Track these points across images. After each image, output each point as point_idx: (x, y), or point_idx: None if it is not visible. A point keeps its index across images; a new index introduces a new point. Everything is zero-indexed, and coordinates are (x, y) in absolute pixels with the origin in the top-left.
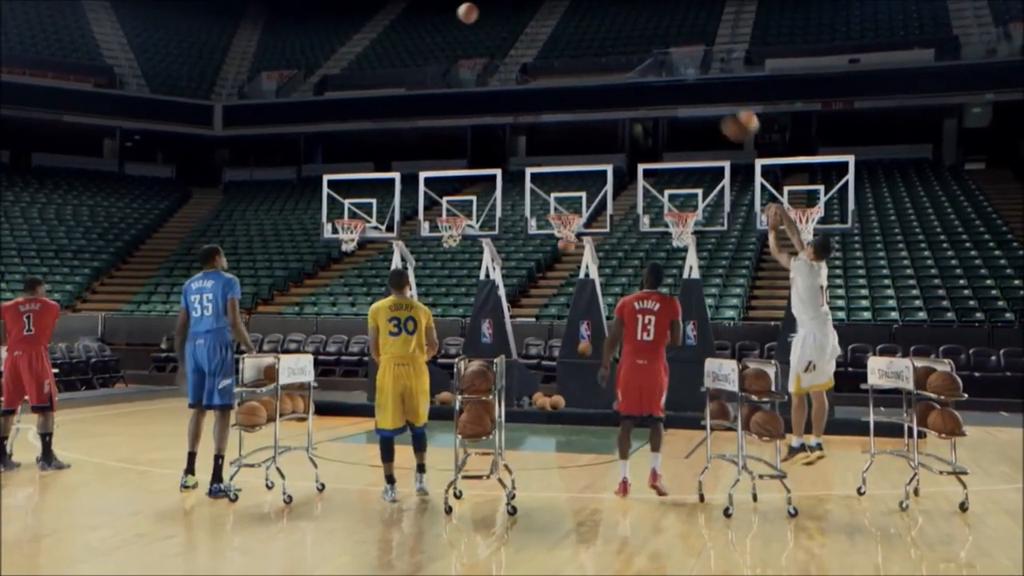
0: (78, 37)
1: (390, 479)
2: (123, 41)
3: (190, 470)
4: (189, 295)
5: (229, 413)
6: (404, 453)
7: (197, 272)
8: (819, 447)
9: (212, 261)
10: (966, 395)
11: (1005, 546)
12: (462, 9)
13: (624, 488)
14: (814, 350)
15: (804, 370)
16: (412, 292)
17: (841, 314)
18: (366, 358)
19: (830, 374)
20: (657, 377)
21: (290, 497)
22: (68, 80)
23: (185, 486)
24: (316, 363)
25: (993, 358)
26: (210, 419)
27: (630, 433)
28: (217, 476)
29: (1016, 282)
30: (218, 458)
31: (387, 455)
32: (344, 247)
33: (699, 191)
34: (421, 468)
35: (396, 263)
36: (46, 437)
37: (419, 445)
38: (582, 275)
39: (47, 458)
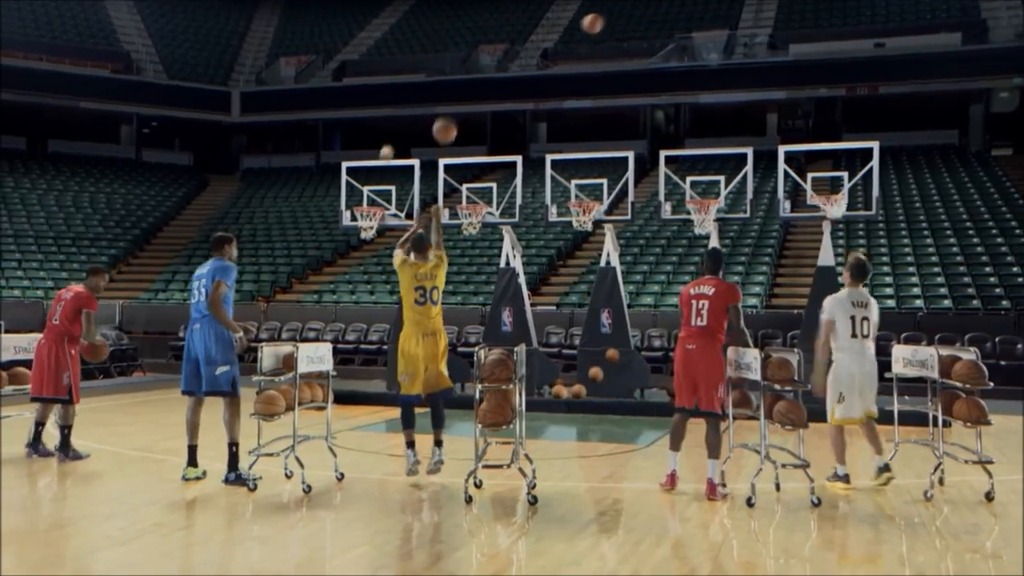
0: (95, 23)
1: (411, 444)
2: (140, 27)
3: (192, 463)
4: (192, 281)
5: (236, 400)
6: (420, 439)
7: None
8: (886, 468)
9: (220, 249)
10: (991, 383)
11: None
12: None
13: (671, 481)
14: (843, 382)
15: (836, 401)
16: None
17: None
18: (385, 347)
19: (867, 406)
20: (710, 364)
21: (309, 486)
22: (85, 66)
23: (185, 478)
24: (335, 352)
25: (1019, 346)
26: (216, 409)
27: (683, 426)
28: (233, 465)
29: None
30: (232, 446)
31: (409, 422)
32: (363, 234)
33: (721, 178)
34: (439, 443)
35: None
36: (64, 429)
37: (438, 420)
38: (603, 263)
39: (64, 449)
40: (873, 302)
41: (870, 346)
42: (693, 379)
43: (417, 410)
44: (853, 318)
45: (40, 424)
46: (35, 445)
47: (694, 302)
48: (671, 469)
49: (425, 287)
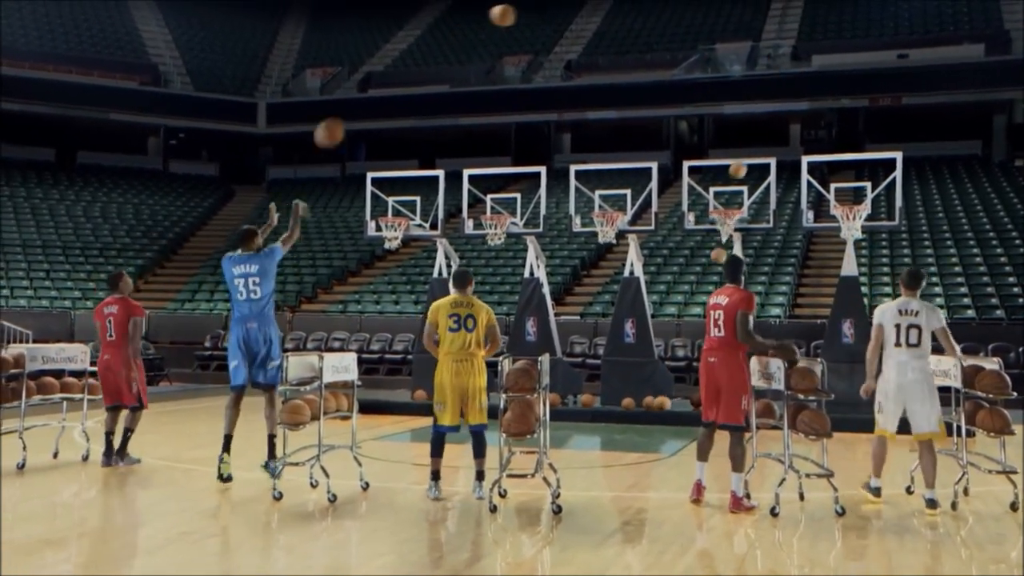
0: (124, 36)
1: (436, 475)
2: (168, 39)
3: (227, 449)
4: (232, 278)
5: (276, 393)
6: (452, 451)
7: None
8: (931, 503)
9: (250, 242)
10: (1015, 393)
11: None
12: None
13: (697, 491)
14: (882, 391)
15: (877, 411)
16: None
17: None
18: (410, 356)
19: (917, 426)
20: (731, 375)
21: (334, 496)
22: (114, 78)
23: (222, 462)
24: (360, 361)
25: None
26: (256, 402)
27: (710, 438)
28: (272, 454)
29: None
30: (271, 437)
31: (437, 451)
32: (388, 245)
33: (745, 188)
34: (480, 476)
35: (440, 261)
36: (128, 432)
37: (479, 450)
38: (627, 273)
39: (120, 453)
40: (927, 310)
41: (919, 355)
42: (716, 390)
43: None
44: (898, 326)
45: (111, 434)
46: (110, 454)
47: (712, 312)
48: (697, 478)
49: (460, 314)
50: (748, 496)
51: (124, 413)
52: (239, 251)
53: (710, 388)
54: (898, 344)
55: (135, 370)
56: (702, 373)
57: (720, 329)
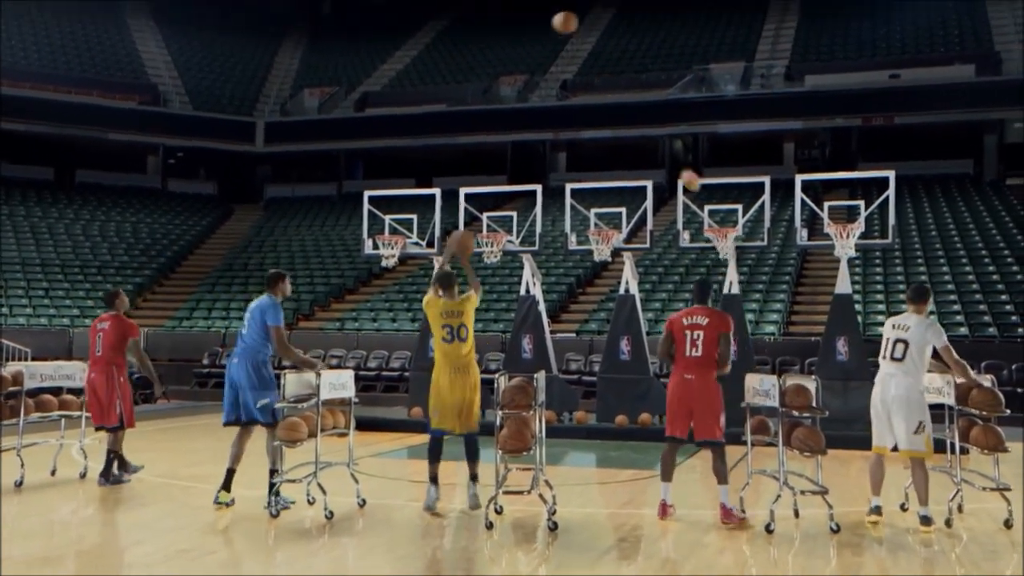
0: (123, 56)
1: (434, 479)
2: (167, 60)
3: (226, 487)
4: (245, 312)
5: (274, 429)
6: (448, 468)
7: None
8: (925, 520)
9: (275, 286)
10: (1008, 411)
11: None
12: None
13: (663, 511)
14: (872, 405)
15: (874, 427)
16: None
17: (883, 329)
18: (407, 373)
19: (905, 443)
20: (709, 394)
21: (331, 512)
22: (113, 98)
23: (218, 502)
24: (357, 379)
25: None
26: (258, 437)
27: (674, 455)
28: (271, 489)
29: None
30: (273, 472)
31: (436, 456)
32: (385, 263)
33: (739, 206)
34: (474, 478)
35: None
36: (111, 454)
37: (473, 454)
38: (622, 290)
39: (106, 474)
40: (923, 327)
41: (904, 370)
42: (689, 409)
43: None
44: (888, 339)
45: (111, 451)
46: (108, 472)
47: (688, 332)
48: (661, 499)
49: (452, 325)
50: (743, 511)
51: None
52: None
53: (683, 406)
54: (884, 357)
55: (118, 389)
56: (675, 390)
57: (698, 349)
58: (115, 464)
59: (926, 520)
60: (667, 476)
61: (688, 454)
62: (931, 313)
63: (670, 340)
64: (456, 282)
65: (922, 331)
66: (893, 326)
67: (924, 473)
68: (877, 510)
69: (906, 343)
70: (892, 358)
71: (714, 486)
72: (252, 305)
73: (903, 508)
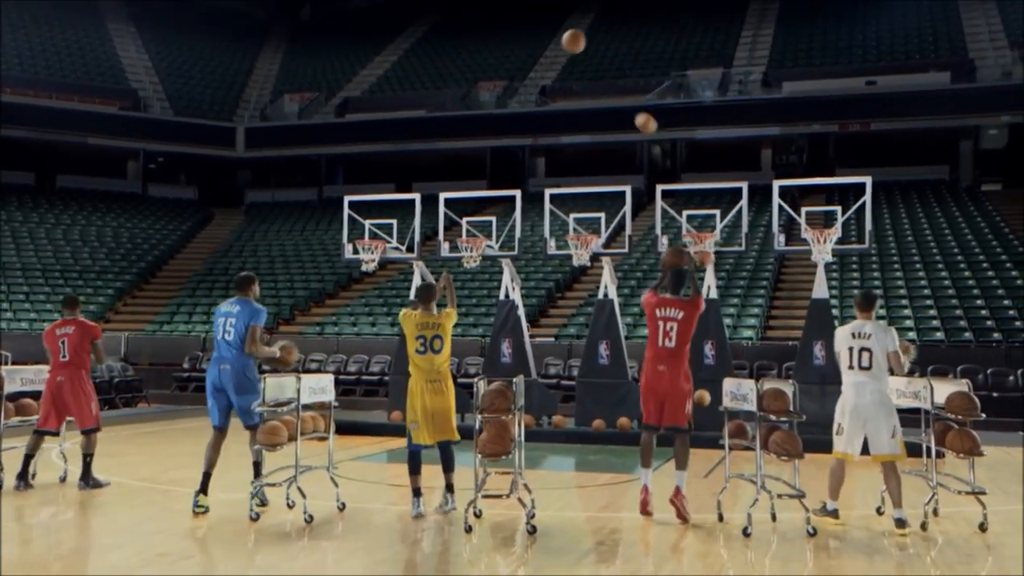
0: (104, 62)
1: (417, 492)
2: (148, 65)
3: (203, 490)
4: (217, 317)
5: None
6: (427, 471)
7: (231, 296)
8: (899, 523)
9: (247, 288)
10: (984, 415)
11: None
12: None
13: (645, 494)
14: (842, 414)
15: (836, 433)
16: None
17: None
18: (387, 377)
19: (877, 448)
20: (677, 385)
21: (311, 516)
22: (94, 103)
23: (198, 506)
24: (337, 383)
25: (1011, 378)
26: (239, 440)
27: (652, 442)
28: (258, 473)
29: None
30: (257, 464)
31: (415, 469)
32: (365, 267)
33: (717, 211)
34: (450, 488)
35: (416, 283)
36: (87, 458)
37: (449, 464)
38: (601, 295)
39: (86, 478)
40: (880, 332)
41: (874, 377)
42: (661, 398)
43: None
44: (851, 349)
45: (29, 456)
46: (87, 476)
47: (661, 324)
48: (643, 483)
49: (426, 336)
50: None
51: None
52: (236, 295)
53: (656, 395)
54: (851, 367)
55: (89, 392)
56: (648, 381)
57: (671, 340)
58: (92, 467)
59: (901, 523)
60: (646, 462)
61: (667, 457)
62: (880, 318)
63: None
64: (436, 296)
65: (882, 337)
66: (853, 335)
67: (897, 476)
68: (835, 514)
69: (870, 351)
70: (860, 367)
71: (692, 491)
72: (230, 310)
73: (879, 512)
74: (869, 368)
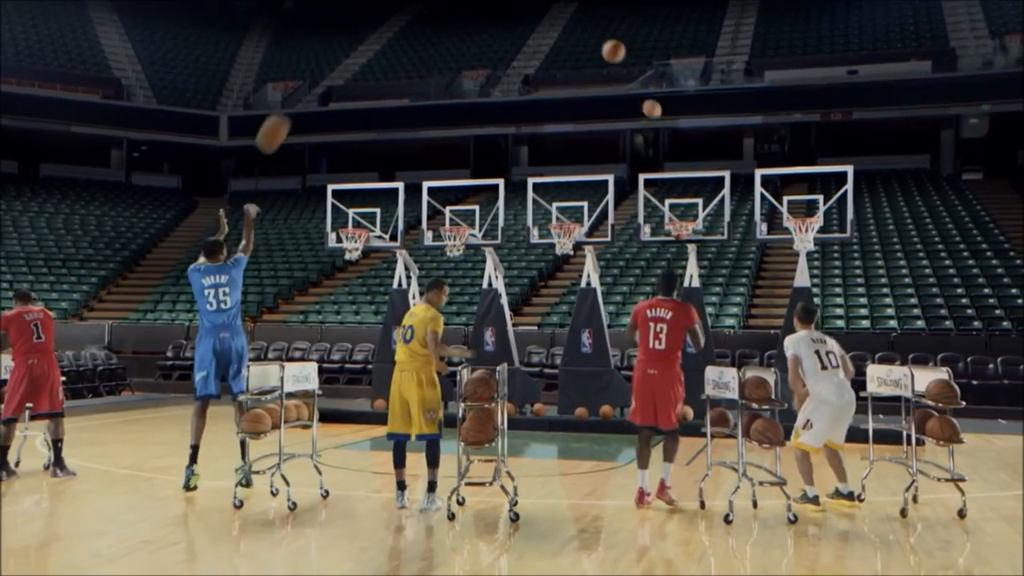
0: (87, 50)
1: (400, 485)
2: (131, 53)
3: (194, 460)
4: (202, 289)
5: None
6: (411, 459)
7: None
8: (850, 495)
9: (217, 254)
10: (964, 403)
11: (1003, 553)
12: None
13: (641, 497)
14: (818, 411)
15: (802, 427)
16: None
17: (840, 323)
18: (370, 366)
19: (836, 439)
20: (669, 388)
21: (295, 504)
22: (76, 92)
23: (193, 474)
24: (320, 371)
25: (991, 366)
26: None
27: (648, 443)
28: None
29: (1014, 291)
30: (243, 443)
31: (397, 461)
32: (348, 256)
33: (699, 200)
34: (432, 486)
35: (400, 272)
36: (58, 443)
37: (429, 458)
38: (583, 284)
39: (59, 464)
40: (830, 338)
41: (841, 374)
42: (652, 401)
43: None
44: (818, 352)
45: (5, 447)
46: (60, 464)
47: (652, 325)
48: (639, 486)
49: (404, 325)
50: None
51: (47, 424)
52: (204, 261)
53: (648, 398)
54: (825, 368)
55: (59, 375)
56: (640, 383)
57: (661, 342)
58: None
59: (850, 496)
60: (643, 464)
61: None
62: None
63: (634, 328)
64: (442, 289)
65: (834, 342)
66: (812, 340)
67: (838, 456)
68: (816, 500)
69: (834, 353)
70: (832, 367)
71: (674, 479)
72: (219, 279)
73: (860, 499)
74: (837, 368)
